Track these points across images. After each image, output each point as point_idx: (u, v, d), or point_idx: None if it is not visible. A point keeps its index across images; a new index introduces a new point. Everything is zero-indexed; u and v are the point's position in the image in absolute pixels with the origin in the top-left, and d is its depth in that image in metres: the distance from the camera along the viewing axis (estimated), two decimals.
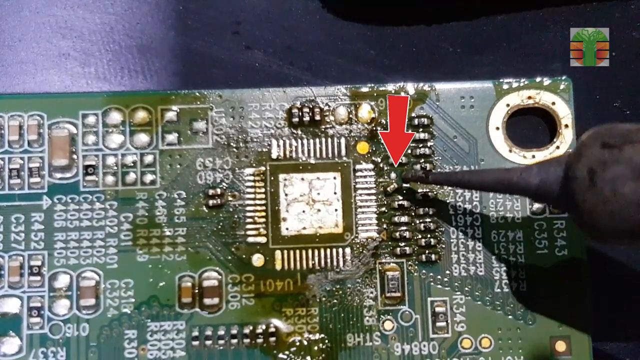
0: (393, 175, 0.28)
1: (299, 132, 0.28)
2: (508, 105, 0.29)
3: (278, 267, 0.28)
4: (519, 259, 0.28)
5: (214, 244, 0.28)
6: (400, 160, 0.28)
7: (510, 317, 0.28)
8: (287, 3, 0.30)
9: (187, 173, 0.28)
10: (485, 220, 0.28)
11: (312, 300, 0.28)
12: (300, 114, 0.28)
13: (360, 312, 0.28)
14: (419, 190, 0.28)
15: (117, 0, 0.30)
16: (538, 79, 0.29)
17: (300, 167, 0.28)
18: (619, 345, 0.29)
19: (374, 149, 0.28)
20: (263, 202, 0.28)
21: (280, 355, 0.27)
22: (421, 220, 0.28)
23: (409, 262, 0.28)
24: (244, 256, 0.28)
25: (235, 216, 0.28)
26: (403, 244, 0.28)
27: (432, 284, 0.28)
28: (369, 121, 0.28)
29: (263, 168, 0.28)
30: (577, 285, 0.28)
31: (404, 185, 0.28)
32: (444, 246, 0.28)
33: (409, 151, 0.28)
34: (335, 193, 0.28)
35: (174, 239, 0.28)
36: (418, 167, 0.28)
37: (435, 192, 0.28)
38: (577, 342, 0.28)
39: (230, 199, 0.28)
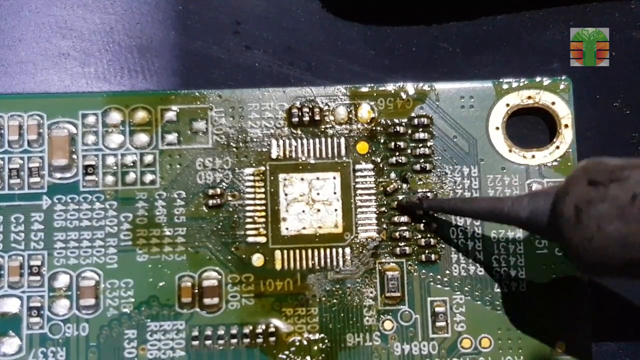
0: (393, 175, 0.28)
1: (299, 132, 0.28)
2: (508, 105, 0.29)
3: (278, 267, 0.28)
4: (519, 259, 0.28)
5: (214, 244, 0.28)
6: (400, 160, 0.28)
7: (510, 317, 0.28)
8: (287, 3, 0.30)
9: (186, 173, 0.28)
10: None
11: (312, 300, 0.28)
12: (300, 113, 0.28)
13: (360, 312, 0.28)
14: (419, 190, 0.28)
15: (117, 0, 0.30)
16: (538, 79, 0.29)
17: (300, 167, 0.28)
18: (618, 345, 0.29)
19: (373, 149, 0.28)
20: (263, 202, 0.28)
21: (280, 355, 0.27)
22: (421, 220, 0.28)
23: (409, 262, 0.28)
24: (243, 256, 0.28)
25: (235, 216, 0.28)
26: (403, 243, 0.28)
27: (431, 283, 0.28)
28: (368, 121, 0.28)
29: (263, 168, 0.28)
30: (577, 285, 0.28)
31: (404, 185, 0.28)
32: (443, 246, 0.28)
33: (409, 151, 0.28)
34: (335, 193, 0.28)
35: (173, 239, 0.28)
36: (414, 196, 0.28)
37: (435, 192, 0.28)
38: (577, 342, 0.28)
39: (230, 198, 0.28)
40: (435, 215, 0.28)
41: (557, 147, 0.29)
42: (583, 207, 0.22)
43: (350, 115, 0.28)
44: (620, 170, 0.22)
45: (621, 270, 0.22)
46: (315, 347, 0.27)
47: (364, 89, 0.29)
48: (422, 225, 0.28)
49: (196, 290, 0.27)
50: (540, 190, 0.25)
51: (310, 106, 0.28)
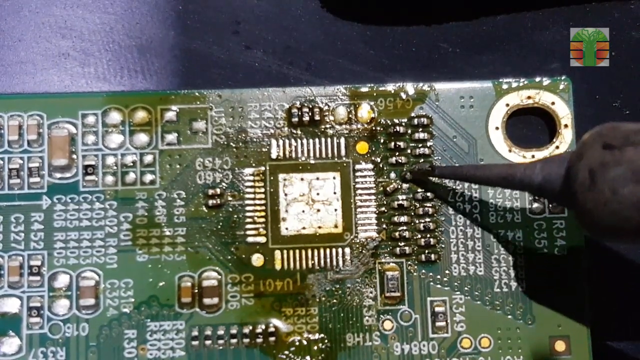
0: (393, 175, 0.28)
1: (299, 132, 0.28)
2: (507, 105, 0.29)
3: (278, 267, 0.28)
4: (519, 259, 0.28)
5: (214, 244, 0.28)
6: (400, 160, 0.28)
7: (509, 316, 0.28)
8: (287, 3, 0.30)
9: (186, 173, 0.28)
10: (485, 220, 0.28)
11: (312, 300, 0.28)
12: (299, 113, 0.28)
13: (359, 312, 0.28)
14: (419, 190, 0.28)
15: (116, 0, 0.30)
16: (538, 79, 0.29)
17: (300, 167, 0.28)
18: (618, 344, 0.29)
19: (373, 149, 0.28)
20: (263, 202, 0.28)
21: (280, 355, 0.27)
22: (421, 220, 0.28)
23: (409, 262, 0.28)
24: (243, 256, 0.28)
25: (235, 216, 0.28)
26: (402, 243, 0.28)
27: (431, 283, 0.28)
28: (368, 121, 0.28)
29: (263, 168, 0.28)
30: (577, 284, 0.28)
31: (404, 185, 0.28)
32: (443, 246, 0.28)
33: (409, 151, 0.28)
34: (334, 193, 0.28)
35: (173, 239, 0.28)
36: (425, 164, 0.28)
37: (434, 193, 0.28)
38: (577, 342, 0.28)
39: (229, 198, 0.28)
40: (436, 215, 0.28)
41: (557, 147, 0.29)
42: (598, 170, 0.22)
43: (350, 115, 0.28)
44: (635, 134, 0.22)
45: (635, 234, 0.22)
46: (315, 347, 0.27)
47: (364, 89, 0.29)
48: (422, 225, 0.28)
49: (196, 290, 0.27)
50: (553, 156, 0.24)
51: (310, 106, 0.28)
